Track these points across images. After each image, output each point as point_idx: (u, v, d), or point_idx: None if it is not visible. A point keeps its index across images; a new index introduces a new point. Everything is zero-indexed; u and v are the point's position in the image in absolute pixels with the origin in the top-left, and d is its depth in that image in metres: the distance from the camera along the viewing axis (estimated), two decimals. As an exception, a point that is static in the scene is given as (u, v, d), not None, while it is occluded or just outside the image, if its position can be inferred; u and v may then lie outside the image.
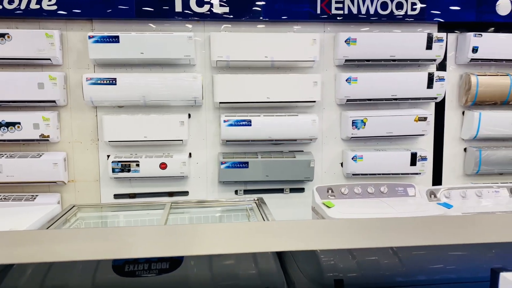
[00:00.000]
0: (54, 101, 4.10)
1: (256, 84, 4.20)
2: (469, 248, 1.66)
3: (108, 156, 4.28)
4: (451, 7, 4.42)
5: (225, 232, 1.21)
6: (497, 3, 4.48)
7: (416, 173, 4.54)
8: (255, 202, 3.07)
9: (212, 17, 4.19)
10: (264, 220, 2.67)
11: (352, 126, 4.38)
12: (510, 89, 4.49)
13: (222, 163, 4.24)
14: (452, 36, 4.59)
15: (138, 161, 4.15)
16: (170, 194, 4.45)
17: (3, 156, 4.09)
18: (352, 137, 4.45)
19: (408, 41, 4.32)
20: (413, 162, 4.47)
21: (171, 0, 4.11)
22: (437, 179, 4.80)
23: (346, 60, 4.32)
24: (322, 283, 1.53)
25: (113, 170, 4.15)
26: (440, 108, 4.71)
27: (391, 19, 4.38)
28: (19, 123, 4.07)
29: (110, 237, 1.22)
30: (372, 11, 4.33)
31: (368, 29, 4.46)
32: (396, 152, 4.51)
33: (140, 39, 4.02)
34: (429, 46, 4.32)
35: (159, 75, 4.16)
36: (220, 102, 4.24)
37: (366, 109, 4.52)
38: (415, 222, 1.21)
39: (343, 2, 4.29)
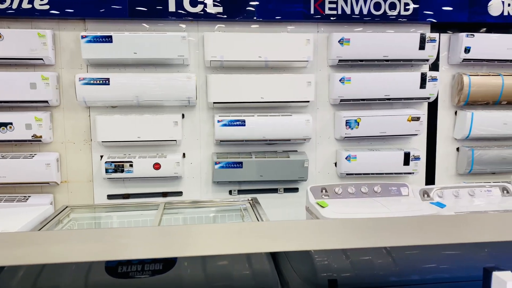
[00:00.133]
0: (46, 101, 4.07)
1: (250, 84, 4.20)
2: (462, 248, 1.67)
3: (102, 156, 4.26)
4: (444, 8, 4.44)
5: (219, 232, 1.21)
6: (489, 3, 4.52)
7: (409, 173, 4.56)
8: (249, 202, 3.07)
9: (205, 17, 4.18)
10: (258, 220, 2.67)
11: (346, 126, 4.39)
12: (502, 89, 4.53)
13: (216, 163, 4.24)
14: (444, 37, 4.62)
15: (131, 162, 4.14)
16: (164, 194, 4.44)
17: (-5, 156, 4.06)
18: (345, 137, 4.46)
19: (401, 41, 4.34)
20: (406, 161, 4.50)
21: (165, 0, 4.09)
22: (430, 179, 4.83)
23: (339, 60, 4.33)
24: (316, 283, 1.53)
25: (107, 171, 4.13)
26: (433, 108, 4.73)
27: (384, 19, 4.40)
28: (11, 123, 4.04)
29: (103, 238, 1.22)
30: (365, 11, 4.34)
31: (362, 29, 4.47)
32: (390, 152, 4.53)
33: (133, 39, 4.00)
34: (422, 46, 4.34)
35: (153, 75, 4.14)
36: (214, 102, 4.23)
37: (359, 109, 4.53)
38: (409, 221, 1.21)
39: (336, 2, 4.30)
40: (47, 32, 3.98)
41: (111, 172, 4.13)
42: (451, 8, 4.45)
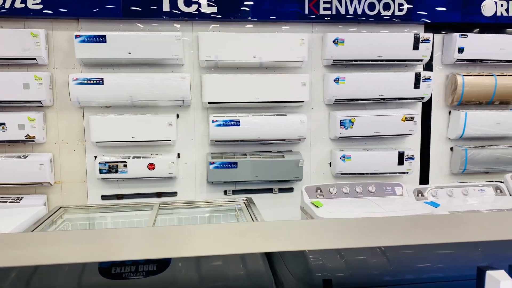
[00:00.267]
0: (39, 102, 4.05)
1: (244, 84, 4.20)
2: (456, 247, 1.67)
3: (95, 156, 4.24)
4: (437, 8, 4.47)
5: (214, 233, 1.20)
6: (482, 4, 4.54)
7: (404, 172, 4.58)
8: (244, 202, 3.07)
9: (200, 17, 4.17)
10: (253, 220, 2.67)
11: (340, 126, 4.40)
12: (495, 89, 4.55)
13: (210, 163, 4.23)
14: (438, 37, 4.64)
15: (125, 162, 4.12)
16: (159, 194, 4.43)
17: (-13, 157, 4.02)
18: (340, 137, 4.47)
19: (395, 41, 4.36)
20: (400, 161, 4.51)
21: (159, 0, 4.08)
22: (424, 178, 4.85)
23: (334, 60, 4.34)
24: (311, 283, 1.53)
25: (101, 171, 4.11)
26: (426, 108, 4.75)
27: (378, 20, 4.41)
28: (3, 123, 4.00)
29: (97, 239, 1.21)
30: (359, 12, 4.35)
31: (356, 30, 4.48)
32: (384, 152, 4.54)
33: (127, 39, 3.99)
34: (416, 47, 4.36)
35: (147, 75, 4.13)
36: (208, 102, 4.23)
37: (354, 109, 4.54)
38: (403, 221, 1.22)
39: (331, 3, 4.31)
40: (40, 32, 3.96)
41: (105, 173, 4.11)
42: (444, 9, 4.47)
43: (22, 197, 4.11)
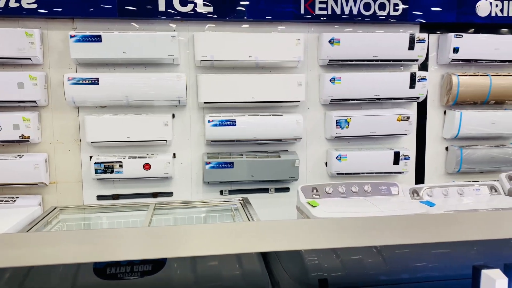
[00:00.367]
0: (34, 101, 4.02)
1: (240, 84, 4.19)
2: (451, 246, 1.68)
3: (91, 157, 4.22)
4: (433, 8, 4.48)
5: (210, 233, 1.20)
6: (477, 4, 4.56)
7: (399, 172, 4.59)
8: (240, 202, 3.06)
9: (196, 16, 4.16)
10: (249, 220, 2.67)
11: (336, 125, 4.41)
12: (490, 89, 4.57)
13: (206, 163, 4.22)
14: (433, 37, 4.66)
15: (121, 162, 4.11)
16: (154, 195, 4.41)
17: (-19, 157, 4.00)
18: (336, 137, 4.48)
19: (391, 41, 4.37)
20: (396, 161, 4.52)
21: (154, -1, 4.07)
22: (419, 178, 4.86)
23: (330, 60, 4.34)
24: (307, 282, 1.53)
25: (96, 171, 4.09)
26: (422, 107, 4.77)
27: (374, 20, 4.42)
28: (-2, 123, 3.98)
29: (92, 239, 1.20)
30: (355, 12, 4.36)
31: (352, 30, 4.49)
32: (380, 152, 4.55)
33: (123, 39, 3.97)
34: (411, 47, 4.37)
35: (143, 75, 4.12)
36: (204, 102, 4.22)
37: (350, 109, 4.55)
38: (399, 220, 1.22)
39: (326, 3, 4.32)
40: (35, 31, 3.93)
41: (101, 173, 4.10)
42: (439, 9, 4.49)
43: (17, 197, 4.09)
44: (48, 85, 4.16)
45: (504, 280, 1.04)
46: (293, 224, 1.20)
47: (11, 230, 2.38)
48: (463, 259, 1.65)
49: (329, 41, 4.27)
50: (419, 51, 4.40)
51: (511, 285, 1.07)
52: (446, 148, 4.86)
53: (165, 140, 4.22)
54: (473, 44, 4.54)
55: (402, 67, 4.64)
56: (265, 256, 1.71)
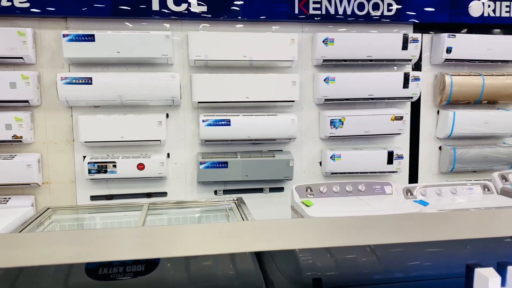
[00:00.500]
0: (27, 101, 4.00)
1: (234, 83, 4.19)
2: (445, 245, 1.68)
3: (84, 157, 4.19)
4: (426, 8, 4.50)
5: (204, 233, 1.19)
6: (470, 4, 4.59)
7: (393, 171, 4.61)
8: (235, 202, 3.06)
9: (190, 16, 4.15)
10: (243, 220, 2.66)
11: (331, 125, 4.42)
12: (482, 89, 4.60)
13: (201, 163, 4.21)
14: (427, 37, 4.68)
15: (115, 162, 4.09)
16: (148, 195, 4.40)
17: (-27, 158, 3.96)
18: (330, 136, 4.48)
19: (385, 41, 4.38)
20: (390, 160, 4.54)
21: (148, -1, 4.05)
22: (413, 177, 4.88)
23: (324, 60, 4.35)
24: (301, 282, 1.53)
25: (89, 171, 4.07)
26: (415, 107, 4.79)
27: (367, 20, 4.43)
28: (-10, 123, 3.95)
29: (85, 239, 1.19)
30: (349, 12, 4.37)
31: (346, 30, 4.50)
32: (373, 151, 4.56)
33: (116, 38, 3.95)
34: (404, 47, 4.39)
35: (136, 75, 4.10)
36: (198, 102, 4.21)
37: (344, 109, 4.56)
38: (393, 219, 1.22)
39: (320, 3, 4.32)
40: (27, 31, 3.91)
41: (94, 173, 4.07)
42: (433, 9, 4.51)
43: (9, 198, 4.06)
44: (41, 84, 4.13)
45: (497, 278, 1.05)
46: (287, 224, 1.19)
47: (3, 230, 2.36)
48: (457, 258, 1.65)
49: (323, 41, 4.28)
50: (412, 51, 4.42)
51: (504, 284, 1.08)
52: (440, 148, 4.89)
53: (159, 140, 4.21)
54: (466, 44, 4.56)
55: (395, 67, 4.66)
56: (259, 256, 1.71)
